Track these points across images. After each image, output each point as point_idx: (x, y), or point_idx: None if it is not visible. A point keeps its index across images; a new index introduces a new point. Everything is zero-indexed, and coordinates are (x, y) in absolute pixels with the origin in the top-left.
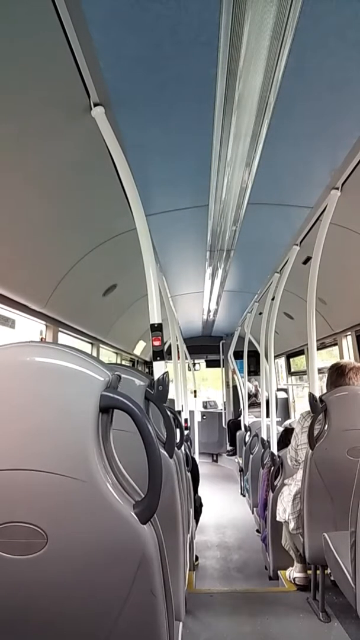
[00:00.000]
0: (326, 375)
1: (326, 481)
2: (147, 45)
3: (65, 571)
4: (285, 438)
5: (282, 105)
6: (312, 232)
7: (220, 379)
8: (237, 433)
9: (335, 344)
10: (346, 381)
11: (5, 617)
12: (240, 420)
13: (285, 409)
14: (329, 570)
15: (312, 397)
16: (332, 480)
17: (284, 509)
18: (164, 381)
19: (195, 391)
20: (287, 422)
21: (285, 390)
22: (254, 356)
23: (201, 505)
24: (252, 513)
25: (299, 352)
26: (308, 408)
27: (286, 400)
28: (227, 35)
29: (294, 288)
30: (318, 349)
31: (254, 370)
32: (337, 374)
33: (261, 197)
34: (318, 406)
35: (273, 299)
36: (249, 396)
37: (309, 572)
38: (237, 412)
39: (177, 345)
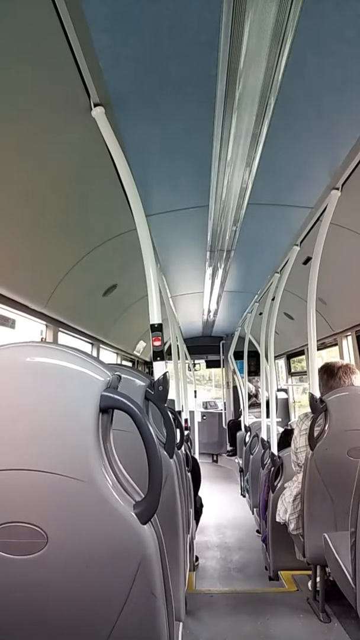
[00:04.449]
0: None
1: (326, 481)
2: (147, 46)
3: (65, 571)
4: (285, 439)
5: (282, 105)
6: (312, 232)
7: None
8: (237, 433)
9: (335, 344)
10: (337, 381)
11: (5, 617)
12: (240, 421)
13: (285, 409)
14: (329, 570)
15: (312, 397)
16: (332, 480)
17: (285, 510)
18: (164, 381)
19: (195, 391)
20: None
21: (286, 391)
22: (254, 356)
23: (202, 506)
24: (252, 513)
25: (299, 353)
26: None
27: (286, 401)
28: (227, 35)
29: (294, 288)
30: (318, 349)
31: (254, 370)
32: (328, 375)
33: (261, 197)
34: (318, 406)
35: (273, 299)
36: (250, 396)
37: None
38: (238, 413)
39: (177, 345)
